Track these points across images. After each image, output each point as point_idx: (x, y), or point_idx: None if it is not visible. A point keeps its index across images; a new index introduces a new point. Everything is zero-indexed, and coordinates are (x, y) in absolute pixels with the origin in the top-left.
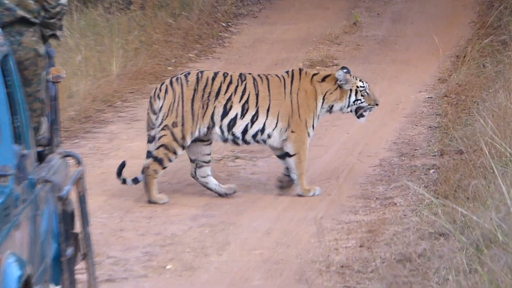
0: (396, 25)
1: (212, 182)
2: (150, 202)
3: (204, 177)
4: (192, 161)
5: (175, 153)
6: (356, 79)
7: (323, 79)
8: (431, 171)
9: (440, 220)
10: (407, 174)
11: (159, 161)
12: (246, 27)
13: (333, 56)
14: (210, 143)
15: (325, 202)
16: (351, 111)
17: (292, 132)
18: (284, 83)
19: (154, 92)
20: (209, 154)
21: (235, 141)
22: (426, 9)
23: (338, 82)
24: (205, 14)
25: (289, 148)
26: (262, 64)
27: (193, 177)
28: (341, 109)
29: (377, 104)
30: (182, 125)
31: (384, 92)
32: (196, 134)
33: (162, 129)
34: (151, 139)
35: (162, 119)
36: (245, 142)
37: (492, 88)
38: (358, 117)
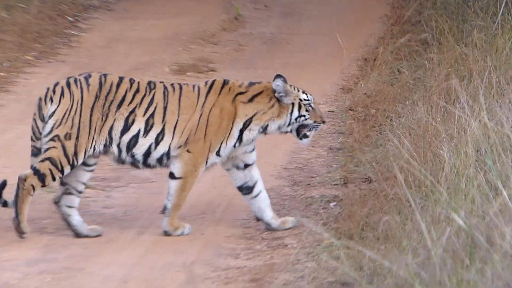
0: (288, 21)
1: (76, 217)
2: (18, 226)
3: (69, 207)
4: (62, 184)
5: (62, 171)
6: (299, 91)
7: (251, 99)
8: (332, 204)
9: (342, 266)
10: (301, 207)
11: (40, 176)
12: (99, 23)
13: (208, 59)
14: (92, 170)
15: (198, 243)
16: (291, 130)
17: (188, 151)
18: (198, 94)
19: (46, 94)
20: (84, 183)
21: (134, 164)
22: (326, 1)
23: (276, 94)
24: (47, 6)
25: (175, 168)
26: (119, 69)
27: (56, 203)
28: (279, 129)
29: (323, 122)
30: (77, 138)
31: None
32: (91, 151)
33: (52, 139)
34: (36, 152)
35: (52, 127)
36: (148, 166)
37: (410, 100)
38: (301, 139)
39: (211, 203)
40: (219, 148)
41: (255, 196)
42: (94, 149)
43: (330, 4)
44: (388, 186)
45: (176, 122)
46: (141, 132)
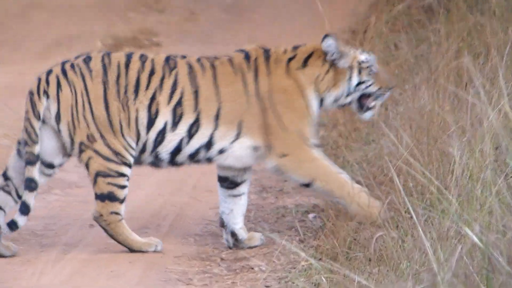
0: None
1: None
2: (134, 251)
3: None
4: (4, 176)
5: (121, 174)
6: (356, 51)
7: (305, 62)
8: (311, 215)
9: None
10: (271, 220)
11: (109, 197)
12: None
13: (152, 31)
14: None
15: (139, 264)
16: (350, 103)
17: (284, 156)
18: (243, 77)
19: (38, 86)
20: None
21: (155, 164)
22: None
23: (328, 57)
24: None
25: (298, 179)
26: (37, 44)
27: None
28: (336, 101)
29: (390, 88)
30: (102, 136)
31: None
32: (132, 145)
33: (80, 151)
34: (33, 159)
35: (70, 136)
36: (175, 164)
37: (410, 83)
38: (364, 111)
39: (156, 215)
40: (309, 130)
41: (235, 196)
42: (131, 144)
43: None
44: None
45: (218, 110)
46: (169, 125)
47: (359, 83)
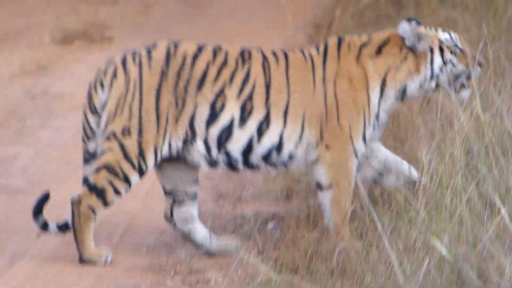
0: None
1: (201, 231)
2: (83, 260)
3: (188, 222)
4: (167, 192)
5: (127, 180)
6: (437, 30)
7: (379, 50)
8: (270, 225)
9: None
10: (229, 229)
11: (98, 192)
12: None
13: (104, 24)
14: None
15: (88, 277)
16: (438, 86)
17: (327, 147)
18: (312, 65)
19: (96, 78)
20: (196, 181)
21: (231, 165)
22: None
23: (406, 43)
24: None
25: (321, 175)
26: None
27: (168, 221)
28: (421, 87)
29: (481, 64)
30: (140, 133)
31: None
32: (165, 150)
33: (107, 138)
34: (88, 157)
35: (106, 123)
36: (251, 166)
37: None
38: (459, 92)
39: (107, 223)
40: (364, 130)
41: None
42: (171, 147)
43: None
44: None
45: (287, 104)
46: (236, 121)
47: (443, 64)
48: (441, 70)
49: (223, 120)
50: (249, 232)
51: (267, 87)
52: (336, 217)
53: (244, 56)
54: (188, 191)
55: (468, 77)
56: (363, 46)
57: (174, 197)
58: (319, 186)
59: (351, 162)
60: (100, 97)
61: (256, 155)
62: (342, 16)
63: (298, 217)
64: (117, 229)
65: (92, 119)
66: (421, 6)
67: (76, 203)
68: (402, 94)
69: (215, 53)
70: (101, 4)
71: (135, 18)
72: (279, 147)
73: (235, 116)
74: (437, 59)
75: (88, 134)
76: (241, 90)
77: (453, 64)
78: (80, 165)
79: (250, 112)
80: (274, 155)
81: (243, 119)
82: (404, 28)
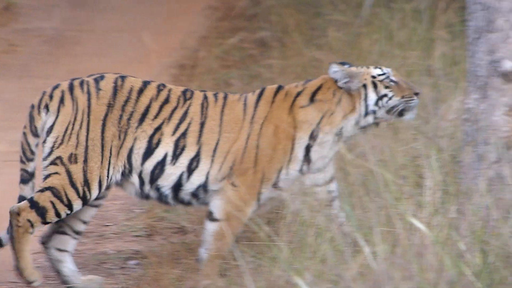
0: (78, 13)
1: (69, 265)
2: (18, 270)
3: (61, 250)
4: None
5: (69, 205)
6: (368, 68)
7: (312, 98)
8: (132, 262)
9: None
10: (90, 266)
11: (39, 209)
12: None
13: None
14: (98, 206)
15: None
16: (376, 121)
17: (233, 185)
18: (245, 106)
19: (40, 100)
20: (86, 223)
21: (162, 200)
22: None
23: (339, 84)
24: None
25: (216, 207)
26: None
27: (43, 244)
28: (357, 125)
29: (416, 94)
30: (85, 161)
31: None
32: (106, 180)
33: (53, 162)
34: (26, 178)
35: (52, 147)
36: (181, 202)
37: None
38: (400, 116)
39: None
40: (277, 178)
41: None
42: (110, 177)
43: None
44: (48, 224)
45: (217, 144)
46: (169, 157)
47: (378, 99)
48: (377, 105)
49: (157, 155)
50: (111, 270)
51: (202, 125)
52: (214, 250)
53: (186, 94)
54: (74, 227)
55: (406, 108)
56: (297, 95)
57: (59, 225)
58: (210, 215)
59: (250, 205)
60: (43, 120)
61: (185, 192)
62: (206, 57)
63: (161, 255)
64: None
65: (32, 141)
66: (286, 46)
67: (15, 214)
68: (340, 134)
69: (159, 89)
70: None
71: (0, 57)
72: (205, 185)
73: (168, 152)
74: (371, 95)
75: (27, 155)
76: (176, 127)
77: (389, 98)
78: None
79: (182, 149)
80: (201, 192)
81: (175, 156)
82: (335, 69)
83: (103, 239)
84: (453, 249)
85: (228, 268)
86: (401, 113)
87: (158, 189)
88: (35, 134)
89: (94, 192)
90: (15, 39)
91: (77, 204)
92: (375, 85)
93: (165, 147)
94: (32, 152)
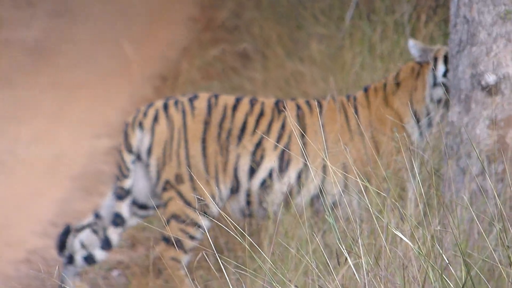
0: (59, 23)
1: (81, 259)
2: None
3: (83, 246)
4: (96, 214)
5: (196, 225)
6: (442, 46)
7: (398, 85)
8: (115, 272)
9: None
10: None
11: (175, 243)
12: None
13: None
14: (145, 217)
15: None
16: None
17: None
18: (346, 114)
19: (134, 119)
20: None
21: (269, 216)
22: None
23: (416, 59)
24: None
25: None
26: None
27: (71, 229)
28: (432, 99)
29: None
30: (191, 179)
31: (38, 137)
32: (219, 195)
33: (164, 188)
34: (122, 194)
35: (158, 171)
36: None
37: None
38: None
39: None
40: None
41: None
42: (222, 191)
43: (115, 2)
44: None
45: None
46: (275, 172)
47: (446, 71)
48: (445, 76)
49: (262, 171)
50: (94, 279)
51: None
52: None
53: (279, 106)
54: (107, 233)
55: None
56: (385, 86)
57: (97, 223)
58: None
59: None
60: (138, 138)
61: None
62: (188, 68)
63: (143, 265)
64: None
65: (128, 158)
66: (268, 59)
67: (158, 259)
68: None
69: (252, 104)
70: None
71: None
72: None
73: (274, 167)
74: (440, 67)
75: (123, 172)
76: (277, 140)
77: None
78: None
79: (288, 164)
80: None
81: (282, 170)
82: (412, 44)
83: None
84: (436, 262)
85: (210, 279)
86: None
87: (265, 207)
88: (130, 151)
89: (212, 207)
90: None
91: (203, 221)
92: (446, 59)
93: (270, 162)
94: (128, 169)
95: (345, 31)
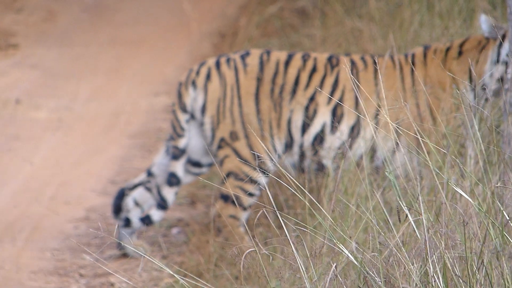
0: None
1: (136, 220)
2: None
3: (137, 204)
4: (148, 173)
5: (253, 181)
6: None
7: (460, 50)
8: (175, 230)
9: None
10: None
11: (233, 201)
12: None
13: (9, 31)
14: (198, 174)
15: None
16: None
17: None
18: (402, 72)
19: (187, 78)
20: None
21: (322, 170)
22: None
23: (485, 35)
24: None
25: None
26: None
27: (124, 189)
28: (494, 77)
29: None
30: (246, 136)
31: (96, 94)
32: (275, 151)
33: (219, 146)
34: (177, 154)
35: (212, 130)
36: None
37: None
38: None
39: (11, 227)
40: None
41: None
42: (276, 148)
43: None
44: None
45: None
46: (327, 127)
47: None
48: (508, 56)
49: (316, 126)
50: (154, 237)
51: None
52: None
53: (332, 61)
54: (161, 191)
55: None
56: (448, 50)
57: (149, 181)
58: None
59: None
60: (191, 96)
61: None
62: (247, 25)
63: (203, 222)
64: (22, 233)
65: (182, 117)
66: (327, 16)
67: (217, 217)
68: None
69: (304, 59)
70: (5, 12)
71: (40, 26)
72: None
73: (327, 122)
74: (506, 45)
75: (178, 131)
76: (331, 95)
77: None
78: None
79: (341, 118)
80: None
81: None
82: (483, 19)
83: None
84: (497, 218)
85: (270, 236)
86: None
87: (319, 160)
88: (184, 110)
89: (268, 162)
90: (55, 7)
91: (259, 178)
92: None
93: (323, 117)
94: (182, 129)
95: None
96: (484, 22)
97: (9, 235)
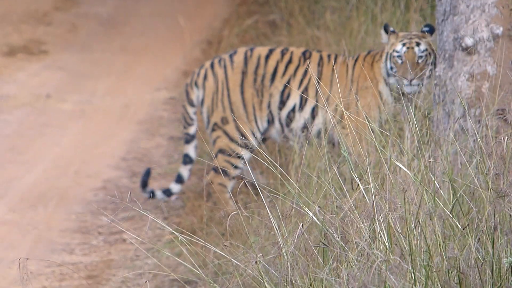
0: (126, 0)
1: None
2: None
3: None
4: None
5: (239, 157)
6: (400, 40)
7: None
8: (173, 197)
9: (185, 263)
10: (140, 200)
11: (222, 171)
12: None
13: (40, 40)
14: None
15: (30, 237)
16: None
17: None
18: (351, 68)
19: (191, 79)
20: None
21: (295, 138)
22: None
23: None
24: None
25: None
26: None
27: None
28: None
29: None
30: (234, 120)
31: (110, 91)
32: (258, 129)
33: (213, 129)
34: (188, 139)
35: (208, 117)
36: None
37: None
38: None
39: (43, 195)
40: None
41: None
42: (259, 127)
43: None
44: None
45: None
46: (297, 107)
47: (390, 68)
48: (390, 71)
49: (289, 105)
50: (157, 202)
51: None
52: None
53: (305, 55)
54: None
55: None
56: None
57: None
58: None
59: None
60: (196, 94)
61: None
62: (229, 35)
63: (196, 191)
64: (52, 200)
65: (190, 110)
66: (291, 27)
67: (209, 185)
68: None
69: (283, 53)
70: (38, 25)
71: (65, 36)
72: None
73: (296, 103)
74: (388, 63)
75: (188, 121)
76: (300, 83)
77: (393, 71)
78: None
79: (306, 101)
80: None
81: (301, 106)
82: (382, 31)
83: (151, 179)
84: (429, 187)
85: (249, 202)
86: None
87: (291, 130)
88: (192, 105)
89: (252, 140)
90: (77, 21)
91: (245, 153)
92: (391, 57)
93: (294, 99)
94: (191, 119)
95: (353, 4)
96: (382, 34)
97: (42, 202)
